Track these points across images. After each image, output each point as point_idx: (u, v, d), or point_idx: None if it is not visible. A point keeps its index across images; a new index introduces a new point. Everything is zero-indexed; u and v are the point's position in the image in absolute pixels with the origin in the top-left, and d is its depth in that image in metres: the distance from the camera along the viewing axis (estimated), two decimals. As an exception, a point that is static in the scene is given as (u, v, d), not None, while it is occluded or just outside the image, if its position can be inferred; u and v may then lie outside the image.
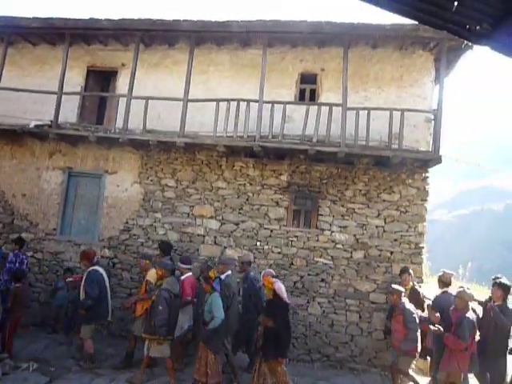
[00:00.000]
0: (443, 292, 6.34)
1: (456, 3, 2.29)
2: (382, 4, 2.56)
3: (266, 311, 5.42)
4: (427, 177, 7.80)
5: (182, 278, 6.43)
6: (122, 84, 8.88)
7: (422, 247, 7.65)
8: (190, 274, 6.68)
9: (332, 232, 7.77)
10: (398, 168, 7.69)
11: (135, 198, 8.48)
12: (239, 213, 8.08)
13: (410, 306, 5.91)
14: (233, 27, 7.76)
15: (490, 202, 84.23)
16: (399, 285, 6.53)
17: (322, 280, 7.66)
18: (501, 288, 5.62)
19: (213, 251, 8.06)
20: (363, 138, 7.36)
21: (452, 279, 6.57)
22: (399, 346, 5.73)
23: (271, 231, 7.93)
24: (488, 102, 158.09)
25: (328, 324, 7.53)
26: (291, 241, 7.86)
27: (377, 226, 7.68)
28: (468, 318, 5.27)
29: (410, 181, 7.75)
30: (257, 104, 7.59)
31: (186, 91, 7.90)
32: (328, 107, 7.48)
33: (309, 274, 7.68)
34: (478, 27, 2.47)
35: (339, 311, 7.57)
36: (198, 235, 8.17)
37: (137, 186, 8.51)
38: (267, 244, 7.90)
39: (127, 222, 8.45)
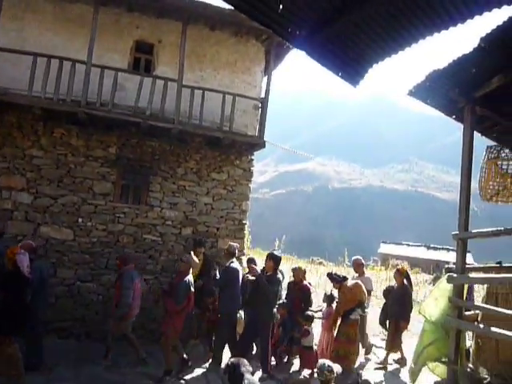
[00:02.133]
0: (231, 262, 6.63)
1: (281, 6, 2.50)
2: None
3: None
4: (252, 159, 8.46)
5: None
6: None
7: (245, 224, 8.33)
8: None
9: (162, 209, 7.73)
10: (228, 149, 8.11)
11: None
12: (58, 186, 7.23)
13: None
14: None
15: (303, 184, 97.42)
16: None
17: (150, 257, 7.59)
18: (272, 259, 6.16)
19: (23, 229, 7.04)
20: (197, 117, 7.48)
21: (237, 251, 6.87)
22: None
23: (96, 207, 7.38)
24: (306, 94, 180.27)
25: (153, 300, 7.53)
26: (118, 217, 7.49)
27: (205, 204, 7.99)
28: (185, 281, 5.68)
29: (238, 162, 8.27)
30: (84, 66, 6.85)
31: (-8, 37, 6.55)
32: (163, 81, 7.30)
33: (136, 251, 7.49)
34: (297, 32, 2.75)
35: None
36: (5, 210, 7.00)
37: None
38: (91, 221, 7.33)
39: None
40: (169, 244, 7.70)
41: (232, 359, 4.58)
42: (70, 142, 7.35)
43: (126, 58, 7.82)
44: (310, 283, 7.34)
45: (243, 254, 8.44)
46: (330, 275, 6.62)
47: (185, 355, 5.93)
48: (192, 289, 5.78)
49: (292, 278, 7.16)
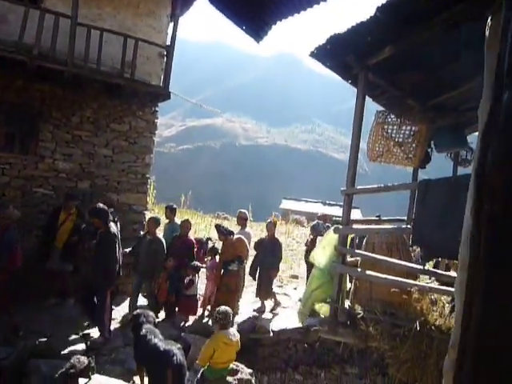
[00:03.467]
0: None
1: None
2: None
3: None
4: (156, 111, 8.11)
5: None
6: None
7: (148, 178, 8.10)
8: None
9: (55, 160, 7.11)
10: (130, 99, 7.64)
11: None
12: None
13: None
14: None
15: (210, 140, 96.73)
16: None
17: (42, 212, 7.03)
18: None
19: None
20: (94, 60, 6.84)
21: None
22: None
23: (-26, 156, 6.53)
24: (213, 46, 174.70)
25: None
26: (3, 168, 6.72)
27: (105, 156, 7.54)
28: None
29: (141, 113, 7.87)
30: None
31: None
32: (54, 16, 6.47)
33: (26, 206, 6.87)
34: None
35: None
36: None
37: None
38: (-33, 171, 6.49)
39: None
40: (62, 198, 7.18)
41: (136, 311, 4.67)
42: None
43: (7, -16, 6.71)
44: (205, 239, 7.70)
45: (146, 209, 8.27)
46: (217, 227, 6.92)
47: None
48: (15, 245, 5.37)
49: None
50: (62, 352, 5.19)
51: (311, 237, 7.85)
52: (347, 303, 4.47)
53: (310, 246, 7.60)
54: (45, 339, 5.33)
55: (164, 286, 6.58)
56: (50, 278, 6.45)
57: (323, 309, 4.66)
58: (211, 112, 74.20)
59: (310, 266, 7.20)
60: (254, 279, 7.43)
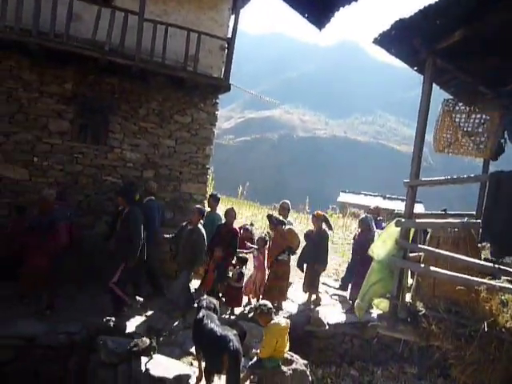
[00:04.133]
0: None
1: None
2: None
3: None
4: (217, 102, 8.29)
5: None
6: None
7: (208, 168, 8.33)
8: None
9: (123, 150, 7.54)
10: (192, 91, 7.87)
11: None
12: (10, 122, 6.84)
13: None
14: None
15: (268, 132, 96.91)
16: None
17: (110, 199, 7.49)
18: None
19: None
20: (159, 55, 7.13)
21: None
22: None
23: (52, 146, 7.09)
24: (273, 37, 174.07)
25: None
26: (76, 158, 7.27)
27: (168, 147, 7.86)
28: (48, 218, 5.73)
29: (202, 105, 8.08)
30: (33, -10, 6.25)
31: None
32: (123, 13, 6.82)
33: (96, 193, 7.37)
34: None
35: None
36: (-49, 147, 6.60)
37: None
38: (47, 160, 7.07)
39: None
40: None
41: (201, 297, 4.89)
42: (21, 76, 6.86)
43: (82, -15, 7.17)
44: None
45: (205, 199, 8.51)
46: (269, 217, 6.93)
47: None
48: (61, 222, 5.78)
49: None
50: (127, 331, 5.53)
51: (359, 230, 7.63)
52: (408, 299, 4.30)
53: (359, 239, 7.41)
54: (111, 318, 5.72)
55: (211, 276, 6.68)
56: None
57: (382, 304, 4.52)
58: (270, 104, 74.30)
59: (357, 259, 7.11)
60: (302, 271, 7.41)
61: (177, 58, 7.49)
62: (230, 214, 6.88)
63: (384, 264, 4.32)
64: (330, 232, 7.52)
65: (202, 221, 6.59)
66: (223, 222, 7.03)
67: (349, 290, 7.78)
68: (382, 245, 4.33)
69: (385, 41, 4.06)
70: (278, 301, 6.69)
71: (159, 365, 4.88)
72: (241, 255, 6.70)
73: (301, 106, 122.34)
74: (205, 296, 5.07)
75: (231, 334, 4.35)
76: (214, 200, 7.38)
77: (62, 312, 5.79)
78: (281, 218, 7.11)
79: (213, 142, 8.36)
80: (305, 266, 7.28)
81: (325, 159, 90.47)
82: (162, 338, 5.69)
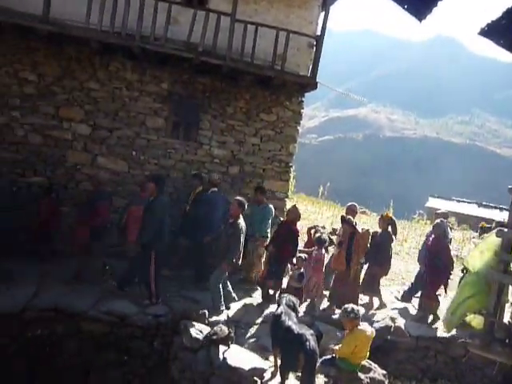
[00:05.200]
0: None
1: None
2: None
3: None
4: (302, 101, 8.25)
5: None
6: None
7: (291, 166, 8.35)
8: None
9: (211, 147, 7.88)
10: (279, 89, 7.94)
11: (-16, 91, 7.18)
12: (114, 119, 7.54)
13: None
14: None
15: (353, 131, 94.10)
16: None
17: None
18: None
19: (82, 158, 7.51)
20: (249, 54, 7.31)
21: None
22: None
23: (148, 141, 7.67)
24: (361, 34, 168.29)
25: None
26: (169, 152, 7.76)
27: (253, 144, 8.03)
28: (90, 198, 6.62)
29: (288, 103, 8.11)
30: (138, -1, 6.79)
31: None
32: (216, 15, 7.11)
33: (184, 186, 7.80)
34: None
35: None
36: (65, 140, 7.45)
37: (-14, 76, 7.16)
38: (143, 154, 7.66)
39: (-25, 119, 7.21)
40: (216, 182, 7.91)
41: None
42: (125, 77, 7.51)
43: (180, -10, 7.63)
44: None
45: (287, 197, 8.55)
46: (343, 218, 6.68)
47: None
48: (101, 202, 6.42)
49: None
50: (209, 319, 5.77)
51: (432, 235, 7.05)
52: (507, 318, 3.88)
53: (431, 245, 6.88)
54: (194, 305, 6.02)
55: (264, 270, 6.73)
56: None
57: (475, 321, 4.15)
58: (355, 102, 72.08)
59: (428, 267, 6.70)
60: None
61: (265, 57, 7.60)
62: (291, 212, 6.75)
63: (480, 277, 3.94)
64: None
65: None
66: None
67: (412, 300, 7.50)
68: (480, 256, 3.96)
69: (493, 31, 3.69)
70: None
71: (236, 355, 5.01)
72: (300, 255, 6.59)
73: (389, 105, 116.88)
74: (284, 295, 5.09)
75: (308, 333, 4.32)
76: (262, 193, 7.15)
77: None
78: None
79: (297, 140, 8.35)
80: (365, 266, 7.07)
81: (413, 161, 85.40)
82: (239, 330, 5.85)
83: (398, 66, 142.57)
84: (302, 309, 6.44)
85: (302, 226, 9.40)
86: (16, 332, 5.39)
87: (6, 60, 7.17)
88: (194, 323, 5.51)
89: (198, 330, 5.39)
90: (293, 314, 4.56)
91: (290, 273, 6.72)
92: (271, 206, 7.15)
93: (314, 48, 7.89)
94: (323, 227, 8.06)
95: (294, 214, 6.69)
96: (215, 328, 5.38)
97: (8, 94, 7.22)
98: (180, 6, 7.36)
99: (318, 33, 7.81)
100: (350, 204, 7.49)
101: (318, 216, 14.16)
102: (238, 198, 6.27)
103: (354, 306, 4.77)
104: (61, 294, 5.82)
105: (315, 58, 7.73)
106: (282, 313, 4.48)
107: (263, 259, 7.06)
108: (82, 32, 6.86)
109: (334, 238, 7.40)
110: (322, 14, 8.01)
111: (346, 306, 4.86)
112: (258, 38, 7.28)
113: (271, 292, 6.72)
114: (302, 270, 6.42)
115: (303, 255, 6.59)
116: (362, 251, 6.55)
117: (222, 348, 5.13)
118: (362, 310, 6.35)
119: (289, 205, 8.66)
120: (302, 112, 8.29)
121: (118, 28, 6.88)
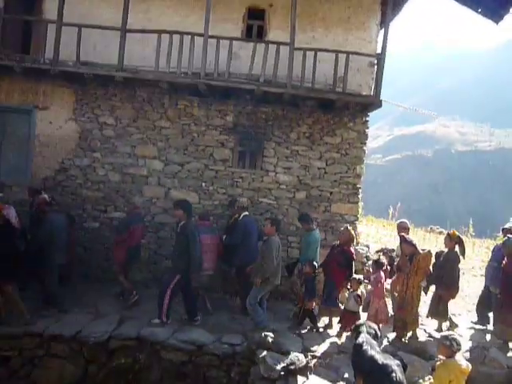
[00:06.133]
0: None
1: None
2: None
3: None
4: (367, 120, 8.10)
5: None
6: (49, 8, 7.96)
7: (359, 188, 8.12)
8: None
9: (276, 173, 7.96)
10: (341, 111, 7.88)
11: (71, 137, 7.97)
12: (184, 153, 7.94)
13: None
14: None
15: (421, 148, 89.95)
16: None
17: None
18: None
19: (156, 192, 7.96)
20: (309, 80, 7.38)
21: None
22: None
23: (216, 172, 7.94)
24: (426, 49, 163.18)
25: (270, 260, 7.90)
26: (236, 182, 7.96)
27: (318, 168, 7.97)
28: (126, 218, 7.09)
29: (351, 124, 8.00)
30: (201, 38, 7.22)
31: (124, 20, 7.27)
32: (275, 46, 7.32)
33: (253, 214, 7.89)
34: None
35: (281, 248, 7.93)
36: (141, 176, 7.97)
37: (72, 124, 7.96)
38: (212, 185, 7.93)
39: (63, 162, 7.98)
40: (283, 207, 7.95)
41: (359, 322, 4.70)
42: (192, 113, 7.94)
43: (239, 27, 8.04)
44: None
45: (357, 219, 8.29)
46: (403, 237, 6.25)
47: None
48: (136, 225, 6.76)
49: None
50: (285, 349, 5.63)
51: (507, 255, 6.30)
52: None
53: (507, 267, 6.16)
54: (270, 333, 5.92)
55: (300, 291, 6.53)
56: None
57: None
58: (421, 118, 69.18)
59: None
60: (425, 293, 6.64)
61: (326, 81, 7.64)
62: (343, 234, 6.59)
63: None
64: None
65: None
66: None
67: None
68: None
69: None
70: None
71: (316, 387, 4.82)
72: (355, 277, 6.36)
73: (458, 118, 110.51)
74: (363, 320, 4.84)
75: (394, 363, 4.02)
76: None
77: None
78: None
79: (363, 161, 8.16)
80: (432, 288, 6.61)
81: (490, 175, 79.05)
82: (316, 360, 5.64)
83: (463, 77, 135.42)
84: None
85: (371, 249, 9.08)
86: (103, 360, 5.67)
87: (88, 107, 7.94)
88: (271, 352, 5.41)
89: (276, 360, 5.27)
90: (375, 343, 4.29)
91: (347, 296, 6.50)
92: (317, 232, 6.94)
93: (375, 67, 7.79)
94: (392, 250, 7.63)
95: (347, 237, 6.54)
96: (292, 357, 5.23)
97: (90, 138, 7.94)
98: (240, 41, 7.71)
99: (378, 51, 7.71)
100: (400, 221, 7.28)
101: (390, 239, 13.52)
102: (270, 217, 6.70)
103: (452, 333, 4.37)
104: (143, 323, 6.08)
105: (377, 76, 7.60)
106: (363, 342, 4.24)
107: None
108: (152, 75, 7.41)
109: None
110: (382, 31, 7.92)
111: (447, 332, 4.47)
112: (318, 62, 7.36)
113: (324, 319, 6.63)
114: (358, 292, 6.22)
115: (357, 277, 6.37)
116: (422, 273, 6.03)
117: (300, 379, 4.95)
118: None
119: (359, 228, 8.43)
120: (367, 132, 8.13)
121: (185, 68, 7.34)
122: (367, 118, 8.09)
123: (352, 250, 6.62)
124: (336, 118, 7.95)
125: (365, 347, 4.17)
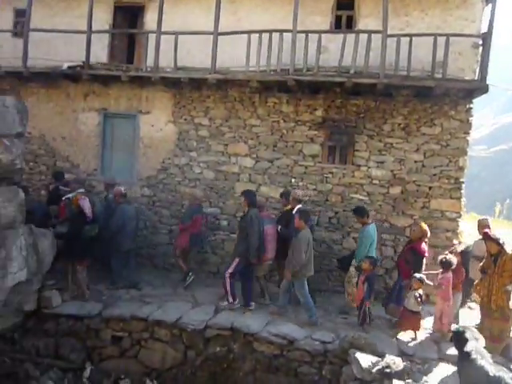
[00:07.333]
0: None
1: None
2: None
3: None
4: (471, 108, 7.39)
5: None
6: (150, 20, 8.63)
7: (462, 182, 7.45)
8: None
9: (368, 168, 7.65)
10: (441, 99, 7.30)
11: (170, 138, 8.56)
12: (273, 150, 8.04)
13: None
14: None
15: (534, 137, 79.36)
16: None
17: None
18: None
19: (247, 188, 8.18)
20: (404, 67, 6.98)
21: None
22: None
23: (306, 168, 7.90)
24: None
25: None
26: (326, 177, 7.82)
27: (415, 161, 7.48)
28: (191, 207, 7.59)
29: (453, 112, 7.36)
30: (290, 34, 7.21)
31: (216, 24, 7.58)
32: (367, 35, 7.04)
33: (344, 210, 7.71)
34: None
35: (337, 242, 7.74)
36: (233, 173, 8.25)
37: (171, 126, 8.54)
38: (302, 181, 7.91)
39: (164, 162, 8.61)
40: (376, 203, 7.62)
41: (460, 326, 4.35)
42: (281, 110, 7.99)
43: (328, 19, 7.87)
44: None
45: (460, 216, 7.61)
46: (487, 234, 5.53)
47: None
48: (197, 215, 7.34)
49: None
50: (380, 351, 5.40)
51: None
52: None
53: None
54: (363, 333, 5.75)
55: (361, 290, 6.09)
56: None
57: None
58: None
59: None
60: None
61: (422, 68, 7.13)
62: (415, 230, 6.28)
63: None
64: None
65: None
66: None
67: None
68: None
69: None
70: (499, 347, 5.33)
71: (415, 393, 4.56)
72: (417, 275, 5.88)
73: None
74: (463, 326, 4.44)
75: (508, 376, 3.63)
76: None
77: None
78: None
79: (467, 152, 7.46)
80: None
81: None
82: (414, 365, 5.32)
83: None
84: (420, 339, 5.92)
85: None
86: (201, 347, 6.01)
87: (185, 110, 8.45)
88: (364, 354, 5.23)
89: (369, 361, 5.09)
90: (485, 352, 3.91)
91: (408, 295, 6.05)
92: (371, 227, 6.53)
93: (481, 48, 7.06)
94: (468, 247, 6.83)
95: (418, 233, 6.25)
96: (387, 360, 5.02)
97: (187, 138, 8.45)
98: (329, 33, 7.55)
99: (485, 30, 6.97)
100: (481, 218, 6.70)
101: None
102: (300, 207, 6.63)
103: None
104: (236, 314, 6.31)
105: (483, 59, 6.90)
106: (472, 350, 3.88)
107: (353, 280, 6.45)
108: (242, 75, 7.62)
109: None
110: (487, 9, 7.15)
111: None
112: (413, 48, 6.89)
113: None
114: (420, 291, 5.81)
115: (419, 275, 5.91)
116: (509, 276, 5.26)
117: (396, 383, 4.72)
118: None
119: (461, 226, 7.75)
120: (471, 120, 7.41)
121: (274, 65, 7.42)
122: (471, 105, 7.37)
123: (423, 246, 6.25)
124: (435, 106, 7.37)
125: (474, 356, 3.83)
